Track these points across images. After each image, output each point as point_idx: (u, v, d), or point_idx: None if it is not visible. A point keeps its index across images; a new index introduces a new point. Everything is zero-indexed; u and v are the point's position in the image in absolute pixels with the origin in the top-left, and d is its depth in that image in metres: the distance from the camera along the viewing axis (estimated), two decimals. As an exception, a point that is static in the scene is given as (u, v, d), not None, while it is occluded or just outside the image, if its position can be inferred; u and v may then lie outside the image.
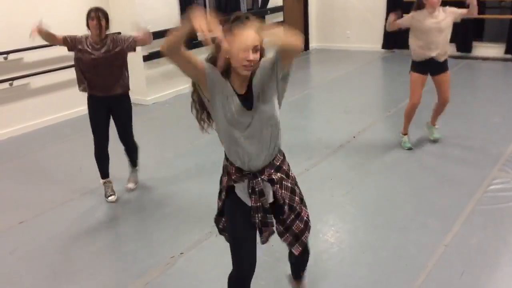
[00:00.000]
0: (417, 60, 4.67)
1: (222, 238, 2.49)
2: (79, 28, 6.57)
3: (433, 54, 4.56)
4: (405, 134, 4.97)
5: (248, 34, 1.96)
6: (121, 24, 7.08)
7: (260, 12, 9.04)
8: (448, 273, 3.05)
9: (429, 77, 4.80)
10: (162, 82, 7.39)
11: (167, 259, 3.35)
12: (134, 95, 7.31)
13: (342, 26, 10.08)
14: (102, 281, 3.20)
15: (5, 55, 5.86)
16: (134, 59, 7.12)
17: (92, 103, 4.08)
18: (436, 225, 3.59)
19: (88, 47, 3.89)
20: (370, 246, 3.41)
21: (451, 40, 8.80)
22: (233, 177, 2.21)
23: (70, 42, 3.93)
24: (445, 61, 4.67)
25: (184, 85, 7.83)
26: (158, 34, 7.05)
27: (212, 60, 2.09)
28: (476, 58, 8.69)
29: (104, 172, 4.23)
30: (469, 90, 7.05)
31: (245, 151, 2.14)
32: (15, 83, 6.04)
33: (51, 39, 3.99)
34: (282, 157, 2.32)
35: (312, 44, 10.53)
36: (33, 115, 6.25)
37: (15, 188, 4.66)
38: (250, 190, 2.18)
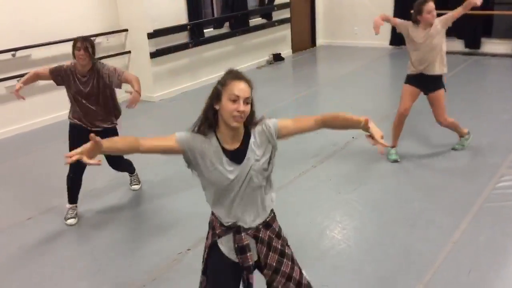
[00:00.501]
0: (410, 74, 4.57)
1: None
2: (86, 26, 6.63)
3: (422, 68, 4.43)
4: (393, 146, 4.69)
5: (241, 85, 1.96)
6: (128, 21, 7.12)
7: (267, 9, 9.03)
8: (456, 270, 3.04)
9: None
10: (169, 78, 7.40)
11: (174, 255, 3.36)
12: (141, 92, 7.34)
13: (350, 23, 10.03)
14: (109, 277, 3.22)
15: (13, 52, 5.89)
16: (141, 56, 7.15)
17: (75, 132, 3.88)
18: (444, 222, 3.58)
19: (76, 81, 3.73)
20: (377, 243, 3.41)
21: (460, 36, 8.85)
22: (217, 231, 2.13)
23: (57, 77, 3.75)
24: (437, 79, 4.50)
25: (191, 82, 7.88)
26: (165, 31, 7.15)
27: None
28: (485, 54, 8.63)
29: (74, 197, 3.97)
30: (477, 86, 7.00)
31: (234, 209, 2.08)
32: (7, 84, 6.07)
33: (36, 79, 3.87)
34: (272, 214, 2.25)
35: (319, 41, 10.49)
36: (41, 112, 6.28)
37: (34, 178, 4.69)
38: (236, 245, 2.10)
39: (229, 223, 2.10)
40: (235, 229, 2.10)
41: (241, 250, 2.09)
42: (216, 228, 2.14)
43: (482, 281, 2.94)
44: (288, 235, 3.49)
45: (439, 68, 4.44)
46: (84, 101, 3.77)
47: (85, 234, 3.76)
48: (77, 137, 3.81)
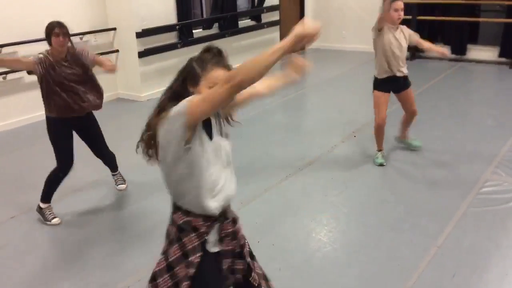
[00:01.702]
0: (380, 78, 4.49)
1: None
2: (74, 24, 6.56)
3: (395, 71, 4.43)
4: (380, 150, 4.71)
5: (219, 73, 1.85)
6: (117, 20, 7.07)
7: (257, 11, 9.04)
8: (440, 274, 3.07)
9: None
10: (157, 78, 7.36)
11: (160, 255, 3.33)
12: (129, 91, 7.30)
13: (338, 26, 10.09)
14: (94, 277, 3.19)
15: (-1, 48, 5.82)
16: (129, 55, 7.11)
17: (59, 126, 3.75)
18: (428, 226, 3.61)
19: (59, 67, 3.61)
20: (362, 246, 3.43)
21: (447, 43, 8.94)
22: (202, 230, 1.94)
23: (39, 65, 3.57)
24: (407, 78, 4.56)
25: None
26: (154, 31, 7.12)
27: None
28: (471, 61, 8.74)
29: (51, 197, 3.89)
30: (462, 92, 7.09)
31: (226, 183, 1.96)
32: (9, 77, 6.00)
33: (15, 65, 3.73)
34: None
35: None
36: (26, 110, 6.21)
37: (21, 174, 4.63)
38: (222, 235, 1.99)
39: (219, 210, 1.95)
40: (223, 217, 1.99)
41: (232, 236, 2.03)
42: (199, 228, 1.93)
43: (466, 285, 2.97)
44: (274, 237, 3.52)
45: (405, 68, 4.52)
46: (73, 84, 3.69)
47: (69, 234, 3.72)
48: (66, 131, 3.80)
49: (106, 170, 4.37)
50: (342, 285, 3.02)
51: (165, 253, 2.01)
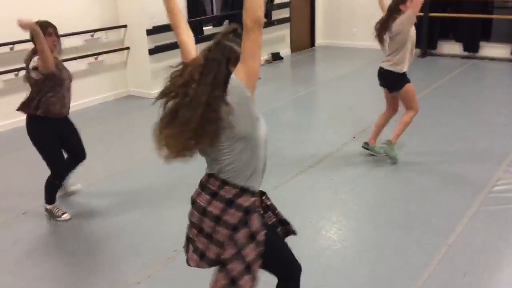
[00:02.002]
0: (405, 71, 4.45)
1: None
2: (85, 21, 6.61)
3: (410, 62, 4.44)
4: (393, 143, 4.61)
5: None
6: (127, 17, 7.10)
7: (267, 23, 9.02)
8: (451, 273, 3.04)
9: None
10: (167, 75, 7.38)
11: (170, 252, 3.35)
12: (139, 89, 7.33)
13: (348, 23, 10.04)
14: (104, 274, 3.21)
15: (11, 46, 5.87)
16: (140, 53, 7.13)
17: (48, 127, 3.63)
18: (439, 225, 3.58)
19: (59, 66, 3.59)
20: (372, 244, 3.41)
21: (459, 40, 8.87)
22: (260, 207, 2.05)
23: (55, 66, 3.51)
24: None
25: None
26: (164, 28, 7.13)
27: None
28: (483, 58, 8.65)
29: (54, 197, 3.85)
30: (474, 90, 7.02)
31: (266, 157, 2.06)
32: (21, 73, 6.04)
33: (46, 53, 3.44)
34: None
35: (318, 41, 10.49)
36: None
37: (18, 177, 4.67)
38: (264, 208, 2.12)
39: (259, 188, 2.07)
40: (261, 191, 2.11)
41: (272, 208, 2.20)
42: (259, 206, 2.03)
43: (477, 284, 2.94)
44: (284, 234, 3.51)
45: None
46: (70, 84, 3.69)
47: (78, 230, 3.75)
48: (52, 131, 3.66)
49: (116, 165, 4.38)
50: (351, 283, 3.01)
51: (230, 239, 1.96)
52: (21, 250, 3.50)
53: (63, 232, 3.73)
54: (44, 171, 3.78)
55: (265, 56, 9.05)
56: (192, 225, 2.05)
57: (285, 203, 3.98)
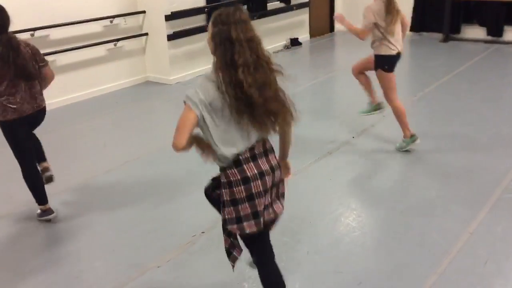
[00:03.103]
0: (392, 55, 4.34)
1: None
2: (104, 7, 6.62)
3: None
4: (412, 135, 4.45)
5: None
6: (146, 3, 7.09)
7: (286, 8, 8.92)
8: (472, 260, 3.00)
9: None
10: (186, 61, 7.37)
11: (189, 237, 3.37)
12: (158, 74, 7.34)
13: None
14: (124, 258, 3.25)
15: (32, 32, 5.91)
16: (158, 38, 7.13)
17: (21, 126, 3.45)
18: (461, 212, 3.53)
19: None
20: (392, 231, 3.38)
21: (483, 24, 8.66)
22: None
23: None
24: None
25: (207, 65, 7.83)
26: (183, 13, 7.11)
27: None
28: (507, 43, 8.44)
29: (43, 197, 3.65)
30: (498, 75, 6.85)
31: None
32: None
33: None
34: None
35: (338, 26, 10.35)
36: (59, 93, 6.32)
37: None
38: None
39: None
40: None
41: None
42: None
43: (499, 272, 2.90)
44: (302, 221, 3.51)
45: None
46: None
47: (99, 215, 3.79)
48: (25, 130, 3.51)
49: (135, 150, 4.41)
50: (371, 270, 2.99)
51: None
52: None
53: (83, 214, 3.78)
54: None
55: (283, 41, 8.98)
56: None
57: (303, 190, 3.98)
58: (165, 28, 7.01)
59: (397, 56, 4.35)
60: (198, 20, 7.41)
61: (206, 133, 2.13)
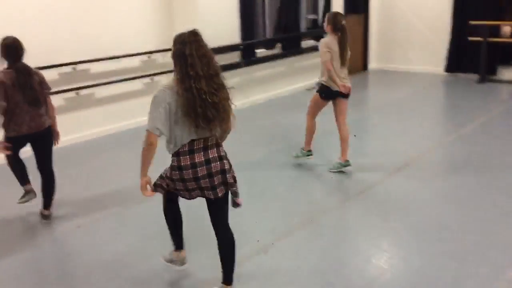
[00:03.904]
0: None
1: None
2: (143, 42, 6.85)
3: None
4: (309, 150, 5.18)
5: None
6: (183, 39, 7.31)
7: (320, 31, 9.04)
8: (510, 311, 2.86)
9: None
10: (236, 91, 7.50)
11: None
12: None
13: (403, 47, 9.89)
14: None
15: (73, 66, 6.16)
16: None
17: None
18: (497, 258, 3.39)
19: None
20: (425, 275, 3.27)
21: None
22: None
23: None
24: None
25: (241, 101, 7.91)
26: (218, 50, 7.27)
27: None
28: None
29: (24, 179, 4.27)
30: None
31: None
32: (82, 92, 6.33)
33: None
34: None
35: (371, 65, 10.39)
36: (97, 123, 6.51)
37: (78, 191, 4.84)
38: None
39: None
40: None
41: None
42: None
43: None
44: (332, 260, 3.44)
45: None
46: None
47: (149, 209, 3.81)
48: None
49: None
50: (402, 315, 2.89)
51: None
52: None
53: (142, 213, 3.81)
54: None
55: (316, 79, 9.03)
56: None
57: (333, 229, 3.92)
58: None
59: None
60: (233, 57, 7.58)
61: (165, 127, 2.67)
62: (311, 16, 9.12)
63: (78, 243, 3.88)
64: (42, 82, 4.01)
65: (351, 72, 9.91)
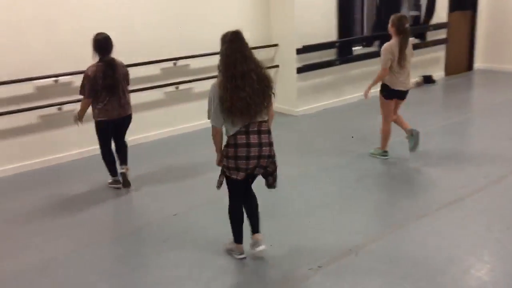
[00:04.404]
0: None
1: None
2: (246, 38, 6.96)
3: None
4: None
5: None
6: (280, 36, 7.35)
7: (422, 28, 8.63)
8: None
9: None
10: (312, 94, 7.44)
11: (305, 270, 3.32)
12: (284, 105, 7.50)
13: (514, 46, 9.15)
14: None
15: (174, 61, 6.43)
16: (288, 71, 7.32)
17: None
18: None
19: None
20: (532, 293, 2.98)
21: None
22: None
23: None
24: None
25: (334, 99, 7.84)
26: (314, 47, 7.23)
27: None
28: None
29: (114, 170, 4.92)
30: None
31: None
32: (181, 86, 6.60)
33: None
34: None
35: (477, 64, 9.73)
36: (194, 117, 6.74)
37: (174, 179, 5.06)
38: None
39: None
40: None
41: None
42: None
43: None
44: (425, 268, 3.25)
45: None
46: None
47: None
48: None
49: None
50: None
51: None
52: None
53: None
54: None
55: (415, 78, 8.65)
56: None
57: (430, 235, 3.71)
58: (295, 61, 7.17)
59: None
60: (329, 54, 7.47)
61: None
62: (413, 13, 8.72)
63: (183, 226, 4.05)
64: (126, 76, 4.61)
65: (454, 72, 9.41)
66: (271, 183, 3.33)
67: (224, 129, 3.17)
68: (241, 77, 3.00)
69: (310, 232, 3.84)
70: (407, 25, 4.86)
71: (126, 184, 4.80)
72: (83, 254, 3.71)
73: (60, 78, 5.57)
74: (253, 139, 3.09)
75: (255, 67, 3.08)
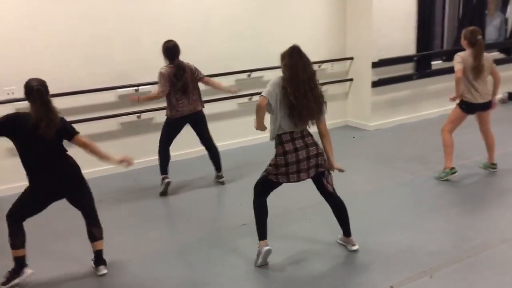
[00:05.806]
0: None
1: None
2: (315, 52, 6.95)
3: None
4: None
5: None
6: (355, 49, 7.25)
7: (507, 43, 8.17)
8: None
9: None
10: (387, 109, 7.26)
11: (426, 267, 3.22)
12: (358, 119, 7.36)
13: None
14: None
15: (249, 73, 6.53)
16: (363, 84, 7.19)
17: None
18: None
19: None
20: None
21: None
22: None
23: None
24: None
25: (410, 114, 7.58)
26: (391, 61, 7.05)
27: None
28: None
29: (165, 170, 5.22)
30: None
31: None
32: (254, 98, 6.68)
33: None
34: None
35: None
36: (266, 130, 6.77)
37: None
38: None
39: None
40: None
41: None
42: None
43: None
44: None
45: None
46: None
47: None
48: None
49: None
50: None
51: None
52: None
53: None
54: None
55: (499, 94, 8.16)
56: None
57: (509, 262, 3.47)
58: (370, 75, 7.04)
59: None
60: (406, 68, 7.27)
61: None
62: (498, 26, 8.28)
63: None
64: (193, 72, 4.96)
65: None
66: (325, 186, 3.53)
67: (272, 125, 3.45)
68: (299, 84, 3.38)
69: (382, 249, 3.72)
70: (479, 37, 4.87)
71: (163, 193, 5.09)
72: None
73: (140, 87, 5.84)
74: (299, 143, 3.42)
75: (310, 77, 3.48)
